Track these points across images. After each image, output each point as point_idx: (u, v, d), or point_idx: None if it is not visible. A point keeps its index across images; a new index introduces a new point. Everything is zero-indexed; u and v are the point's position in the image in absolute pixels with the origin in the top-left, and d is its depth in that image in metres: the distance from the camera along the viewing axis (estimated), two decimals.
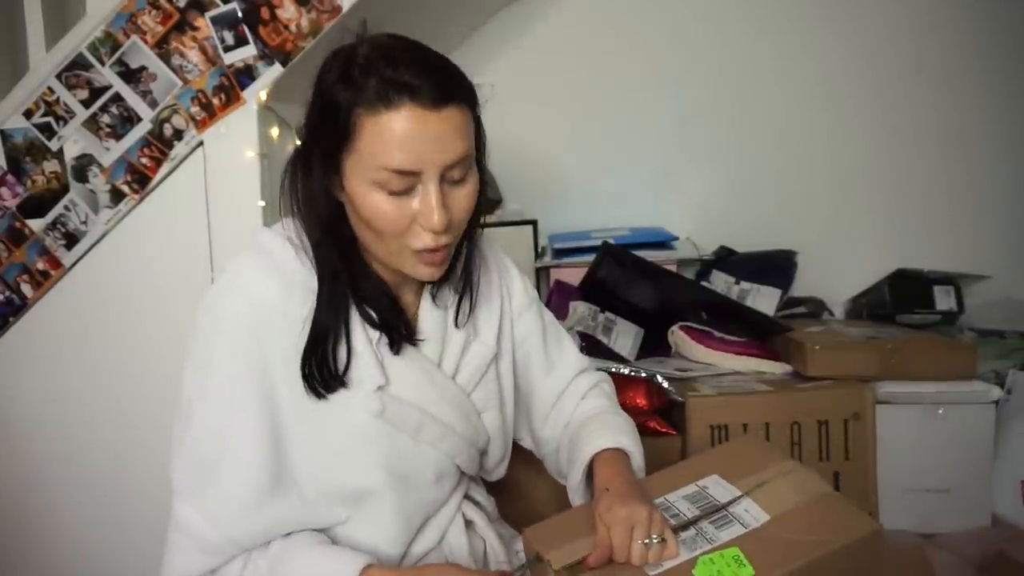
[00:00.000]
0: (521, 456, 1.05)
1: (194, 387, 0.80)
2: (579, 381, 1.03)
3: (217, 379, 0.78)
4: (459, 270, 0.90)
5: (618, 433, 0.93)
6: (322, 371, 0.79)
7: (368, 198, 0.75)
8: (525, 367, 1.00)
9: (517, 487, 1.12)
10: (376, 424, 0.82)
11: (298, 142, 0.84)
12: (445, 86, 0.73)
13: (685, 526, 0.81)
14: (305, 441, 0.80)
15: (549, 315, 1.04)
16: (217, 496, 0.78)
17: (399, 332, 0.84)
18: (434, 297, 0.89)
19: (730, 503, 0.84)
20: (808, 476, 0.88)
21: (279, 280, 0.80)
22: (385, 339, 0.83)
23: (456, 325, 0.90)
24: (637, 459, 0.92)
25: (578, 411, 1.00)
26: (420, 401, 0.84)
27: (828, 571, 0.77)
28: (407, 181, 0.74)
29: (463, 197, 0.79)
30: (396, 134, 0.72)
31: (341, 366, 0.80)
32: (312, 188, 0.80)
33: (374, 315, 0.83)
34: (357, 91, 0.73)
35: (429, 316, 0.89)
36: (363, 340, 0.82)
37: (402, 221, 0.76)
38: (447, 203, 0.76)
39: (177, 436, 0.81)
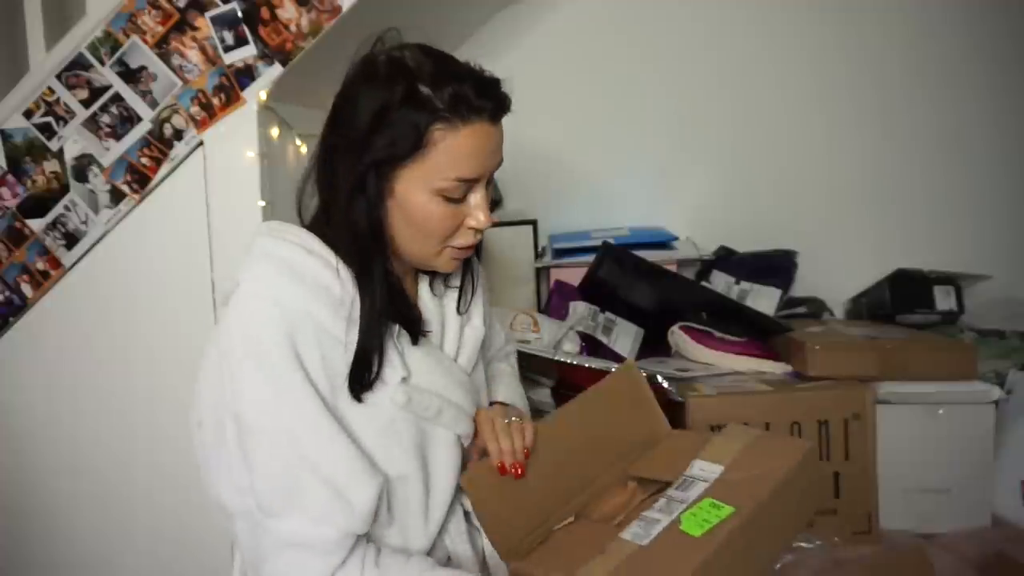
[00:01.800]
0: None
1: (254, 406, 0.79)
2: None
3: (278, 389, 0.78)
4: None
5: (508, 391, 1.05)
6: (362, 380, 0.82)
7: (427, 205, 0.82)
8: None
9: None
10: (403, 415, 0.85)
11: (321, 147, 0.85)
12: (503, 103, 0.83)
13: (654, 498, 0.88)
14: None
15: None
16: (318, 496, 0.78)
17: (415, 324, 0.88)
18: (430, 287, 0.95)
19: (684, 469, 0.92)
20: (736, 427, 1.00)
21: (305, 289, 0.81)
22: (405, 333, 0.87)
23: (459, 311, 0.95)
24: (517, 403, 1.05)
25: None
26: (436, 387, 0.88)
27: (788, 492, 0.88)
28: (466, 188, 0.83)
29: (491, 195, 0.88)
30: (469, 148, 0.81)
31: (375, 371, 0.83)
32: (361, 200, 0.82)
33: (394, 311, 0.86)
34: (431, 109, 0.79)
35: (428, 305, 0.94)
36: (387, 338, 0.85)
37: (453, 224, 0.84)
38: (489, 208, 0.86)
39: (235, 457, 0.80)
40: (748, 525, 0.81)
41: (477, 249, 0.94)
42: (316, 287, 0.81)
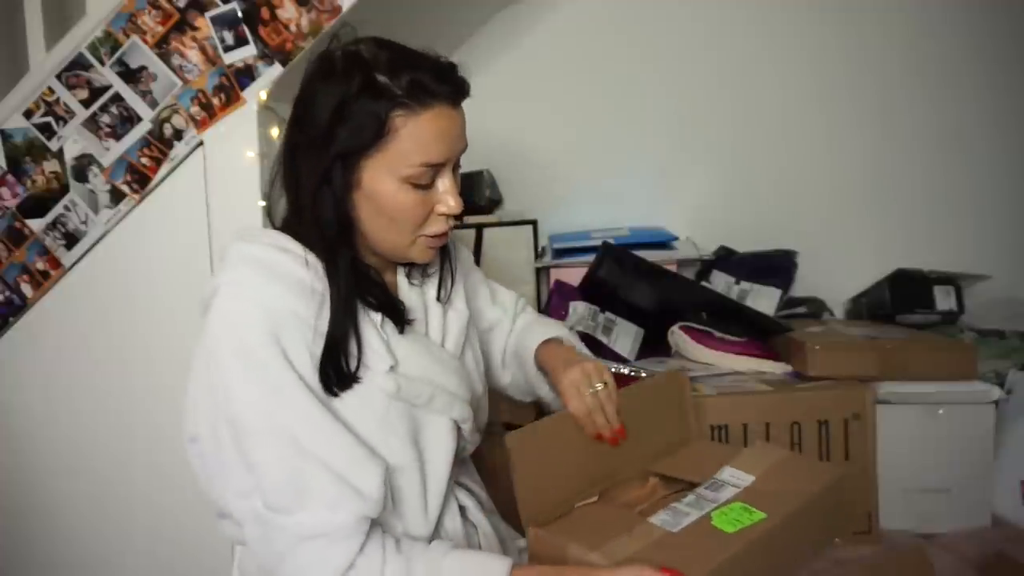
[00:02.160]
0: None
1: (247, 407, 0.79)
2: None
3: (269, 387, 0.78)
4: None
5: (550, 328, 1.09)
6: (339, 372, 0.81)
7: (395, 194, 0.82)
8: (478, 317, 1.09)
9: (506, 476, 1.14)
10: (395, 404, 0.85)
11: (285, 147, 0.86)
12: (462, 87, 0.84)
13: (682, 493, 0.90)
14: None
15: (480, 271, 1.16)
16: (325, 486, 0.77)
17: (399, 313, 0.89)
18: (408, 276, 0.95)
19: (713, 473, 0.94)
20: (766, 444, 1.03)
21: (284, 287, 0.81)
22: (389, 322, 0.87)
23: (438, 299, 0.96)
24: (571, 342, 1.09)
25: (515, 327, 1.14)
26: (426, 374, 0.88)
27: (816, 512, 0.89)
28: (433, 173, 0.83)
29: (458, 182, 0.88)
30: (432, 132, 0.81)
31: (354, 363, 0.82)
32: (327, 193, 0.82)
33: (374, 301, 0.87)
34: (389, 96, 0.80)
35: (408, 294, 0.94)
36: (370, 328, 0.85)
37: (423, 212, 0.85)
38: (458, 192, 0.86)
39: (235, 461, 0.80)
40: (779, 533, 0.82)
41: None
42: (293, 283, 0.81)
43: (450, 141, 0.83)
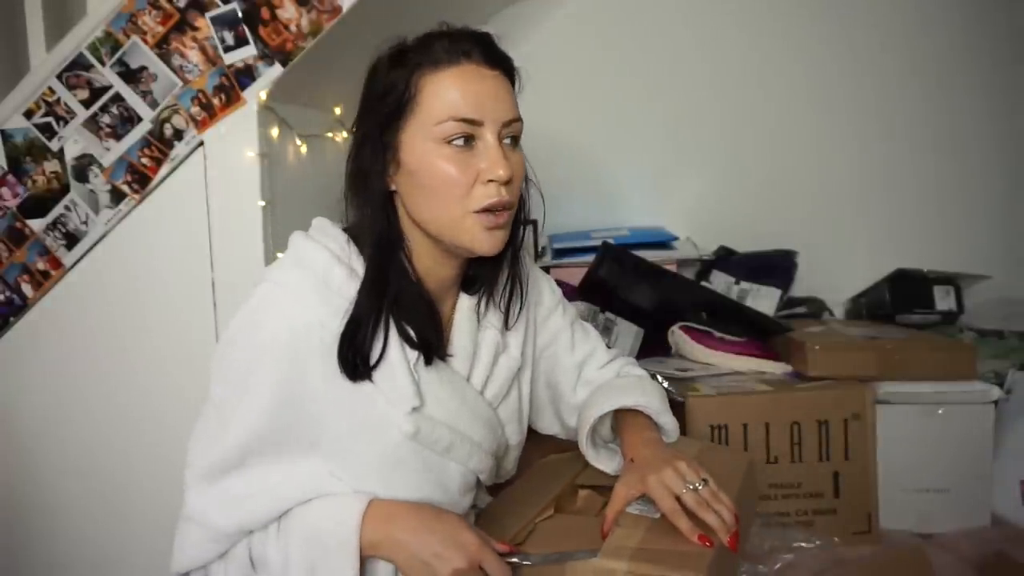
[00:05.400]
0: (524, 457, 1.05)
1: (228, 398, 0.80)
2: (607, 364, 1.04)
3: (252, 397, 0.78)
4: (505, 273, 0.91)
5: (632, 392, 0.95)
6: (356, 356, 0.78)
7: (432, 158, 0.78)
8: (553, 364, 1.01)
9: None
10: (409, 445, 0.81)
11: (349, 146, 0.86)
12: (495, 53, 0.82)
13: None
14: (337, 460, 0.81)
15: (572, 311, 1.06)
16: (234, 495, 0.80)
17: (434, 348, 0.84)
18: (478, 309, 0.90)
19: None
20: (683, 440, 1.02)
21: (324, 298, 0.79)
22: (422, 358, 0.83)
23: (507, 327, 0.92)
24: (655, 406, 0.94)
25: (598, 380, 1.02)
26: (452, 420, 0.84)
27: (745, 492, 0.94)
28: (468, 131, 0.78)
29: (517, 162, 0.83)
30: (459, 84, 0.78)
31: (374, 358, 0.79)
32: (366, 171, 0.82)
33: (412, 332, 0.82)
34: (416, 60, 0.80)
35: (463, 328, 0.89)
36: (400, 357, 0.81)
37: (464, 178, 0.78)
38: (507, 159, 0.79)
39: (200, 434, 0.83)
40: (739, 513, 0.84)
41: (516, 259, 0.91)
42: (340, 301, 0.79)
43: (482, 98, 0.78)
